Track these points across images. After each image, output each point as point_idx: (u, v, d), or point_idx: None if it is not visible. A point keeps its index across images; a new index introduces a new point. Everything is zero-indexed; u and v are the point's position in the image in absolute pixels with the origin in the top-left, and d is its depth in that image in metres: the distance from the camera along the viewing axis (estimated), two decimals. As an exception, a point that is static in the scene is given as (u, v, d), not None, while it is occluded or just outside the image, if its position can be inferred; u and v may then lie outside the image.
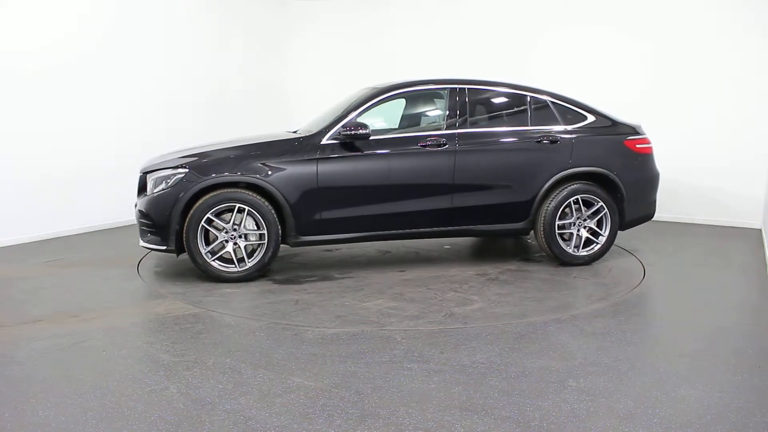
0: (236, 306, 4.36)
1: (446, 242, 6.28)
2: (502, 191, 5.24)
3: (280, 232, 4.88)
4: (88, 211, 6.84)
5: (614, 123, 5.51)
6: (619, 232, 5.50)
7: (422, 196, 5.12)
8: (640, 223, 5.68)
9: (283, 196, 4.84)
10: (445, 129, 5.19)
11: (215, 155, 4.92)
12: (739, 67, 7.18)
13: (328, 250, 6.14)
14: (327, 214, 4.97)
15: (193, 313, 4.12)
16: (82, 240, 6.46)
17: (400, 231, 5.19)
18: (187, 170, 4.81)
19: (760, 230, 7.02)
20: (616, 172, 5.35)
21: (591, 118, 5.46)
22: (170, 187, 4.79)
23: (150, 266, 5.41)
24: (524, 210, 5.29)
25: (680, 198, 7.37)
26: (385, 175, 5.05)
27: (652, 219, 5.79)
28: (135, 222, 6.87)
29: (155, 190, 4.87)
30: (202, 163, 4.85)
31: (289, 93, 9.73)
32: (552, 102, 5.43)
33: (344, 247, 6.20)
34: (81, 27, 6.61)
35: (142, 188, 5.10)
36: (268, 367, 3.25)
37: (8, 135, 5.99)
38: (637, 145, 5.48)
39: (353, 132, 4.92)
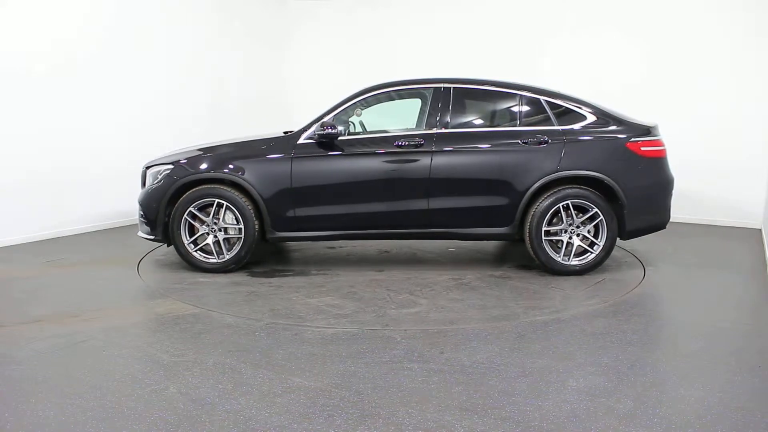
0: (192, 294, 4.60)
1: (451, 245, 6.19)
2: (482, 194, 5.03)
3: (256, 227, 5.07)
4: (88, 211, 6.83)
5: (618, 123, 5.08)
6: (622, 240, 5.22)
7: (397, 197, 5.06)
8: (648, 233, 5.28)
9: (259, 193, 5.03)
10: (424, 129, 5.13)
11: (201, 153, 5.26)
12: (740, 66, 7.19)
13: (330, 248, 6.17)
14: (301, 212, 5.09)
15: (193, 313, 4.12)
16: (82, 240, 6.46)
17: (376, 231, 5.17)
18: (172, 166, 5.16)
19: (760, 230, 7.02)
20: (615, 177, 4.95)
21: (590, 118, 5.09)
22: (160, 181, 5.16)
23: (150, 266, 5.41)
24: (508, 214, 5.03)
25: (680, 198, 7.34)
26: (358, 175, 5.06)
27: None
28: (135, 222, 7.07)
29: (150, 184, 5.25)
30: (187, 160, 5.19)
31: (290, 93, 9.73)
32: (546, 101, 5.14)
33: (347, 245, 6.21)
34: (81, 28, 6.60)
35: (143, 182, 5.44)
36: (268, 367, 3.25)
37: (7, 135, 5.98)
38: (643, 148, 5.01)
39: (325, 132, 5.01)
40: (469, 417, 2.72)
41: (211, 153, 5.26)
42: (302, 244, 6.29)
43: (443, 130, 5.09)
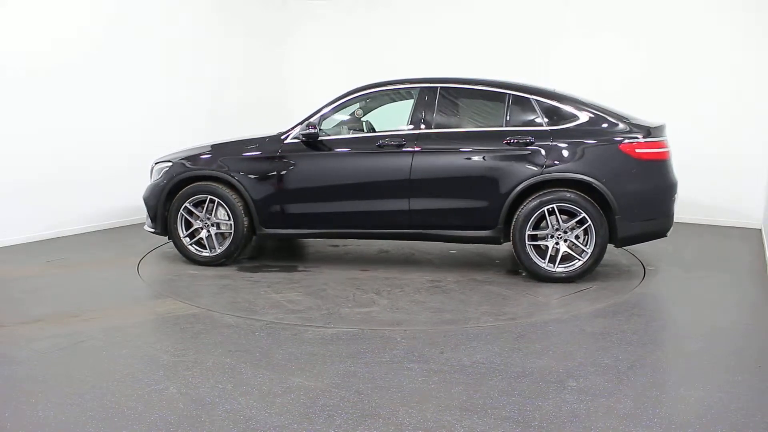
0: (173, 284, 4.90)
1: (453, 247, 6.10)
2: (463, 196, 4.91)
3: (246, 223, 5.22)
4: (88, 211, 6.83)
5: (614, 124, 4.80)
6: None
7: (378, 197, 5.05)
8: (646, 240, 5.02)
9: (247, 191, 5.19)
10: (407, 129, 5.09)
11: (197, 152, 5.46)
12: (740, 66, 7.18)
13: (334, 246, 6.20)
14: (286, 209, 5.21)
15: (193, 313, 4.12)
16: (82, 240, 6.45)
17: (359, 231, 5.22)
18: (171, 163, 5.40)
19: (760, 230, 7.02)
20: (605, 180, 4.67)
21: (583, 118, 4.84)
22: (160, 177, 5.41)
23: (150, 266, 5.41)
24: (491, 217, 4.87)
25: (680, 198, 7.36)
26: (340, 174, 5.12)
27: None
28: (135, 222, 7.12)
29: (153, 180, 5.50)
30: (183, 158, 5.41)
31: (290, 93, 9.71)
32: (537, 100, 4.93)
33: (350, 244, 6.21)
34: (81, 29, 6.58)
35: (151, 178, 5.67)
36: (268, 367, 3.25)
37: (7, 135, 5.97)
38: (638, 150, 4.70)
39: (306, 131, 5.11)
40: (469, 417, 2.72)
41: (206, 151, 5.44)
42: (310, 241, 6.35)
43: (425, 130, 5.03)
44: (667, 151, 4.86)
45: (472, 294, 4.61)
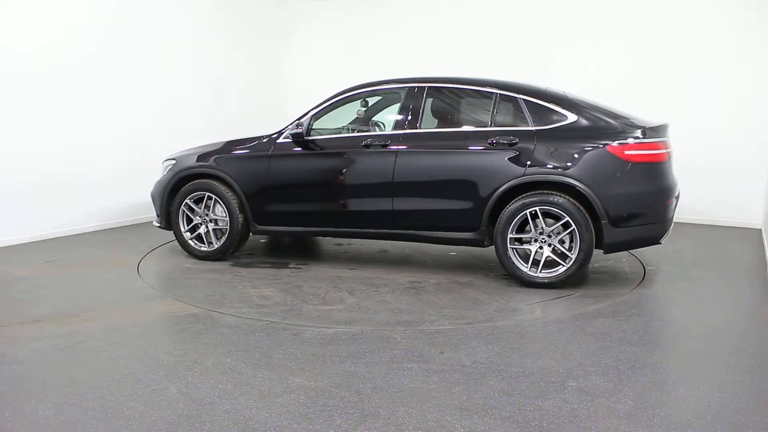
0: (164, 275, 5.26)
1: (453, 249, 6.03)
2: (445, 197, 4.85)
3: (241, 220, 5.36)
4: (88, 211, 6.82)
5: (605, 124, 4.59)
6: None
7: (363, 196, 5.06)
8: (637, 247, 4.89)
9: (241, 188, 5.32)
10: (392, 129, 5.08)
11: (200, 150, 5.64)
12: (740, 66, 7.18)
13: (338, 244, 6.22)
14: (276, 207, 5.34)
15: (193, 313, 4.12)
16: (82, 240, 6.45)
17: (344, 230, 5.25)
18: (175, 161, 5.64)
19: (760, 230, 7.02)
20: (590, 183, 4.46)
21: (572, 118, 4.63)
22: (165, 175, 5.65)
23: (150, 266, 5.42)
24: (473, 219, 4.76)
25: (680, 197, 7.36)
26: (325, 174, 5.16)
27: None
28: (135, 222, 7.19)
29: (160, 177, 5.73)
30: (184, 157, 5.63)
31: (290, 92, 9.71)
32: (525, 100, 4.76)
33: (355, 243, 6.23)
34: (80, 29, 6.57)
35: None
36: (268, 367, 3.25)
37: (7, 135, 5.97)
38: (627, 152, 4.46)
39: (294, 131, 5.21)
40: (469, 417, 2.72)
41: (207, 150, 5.59)
42: (316, 239, 6.41)
43: (408, 131, 4.99)
44: (663, 153, 4.62)
45: (444, 296, 4.54)
